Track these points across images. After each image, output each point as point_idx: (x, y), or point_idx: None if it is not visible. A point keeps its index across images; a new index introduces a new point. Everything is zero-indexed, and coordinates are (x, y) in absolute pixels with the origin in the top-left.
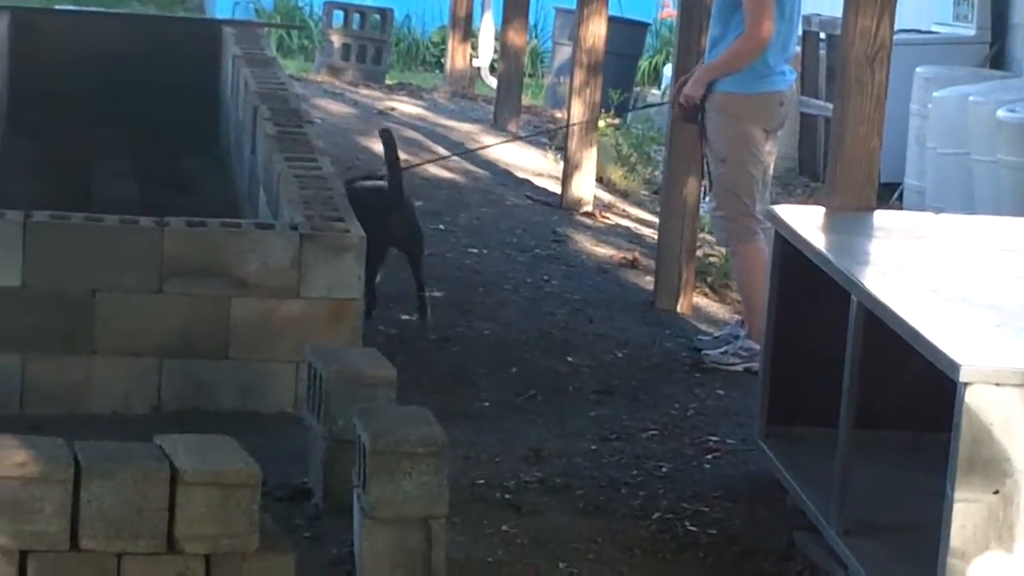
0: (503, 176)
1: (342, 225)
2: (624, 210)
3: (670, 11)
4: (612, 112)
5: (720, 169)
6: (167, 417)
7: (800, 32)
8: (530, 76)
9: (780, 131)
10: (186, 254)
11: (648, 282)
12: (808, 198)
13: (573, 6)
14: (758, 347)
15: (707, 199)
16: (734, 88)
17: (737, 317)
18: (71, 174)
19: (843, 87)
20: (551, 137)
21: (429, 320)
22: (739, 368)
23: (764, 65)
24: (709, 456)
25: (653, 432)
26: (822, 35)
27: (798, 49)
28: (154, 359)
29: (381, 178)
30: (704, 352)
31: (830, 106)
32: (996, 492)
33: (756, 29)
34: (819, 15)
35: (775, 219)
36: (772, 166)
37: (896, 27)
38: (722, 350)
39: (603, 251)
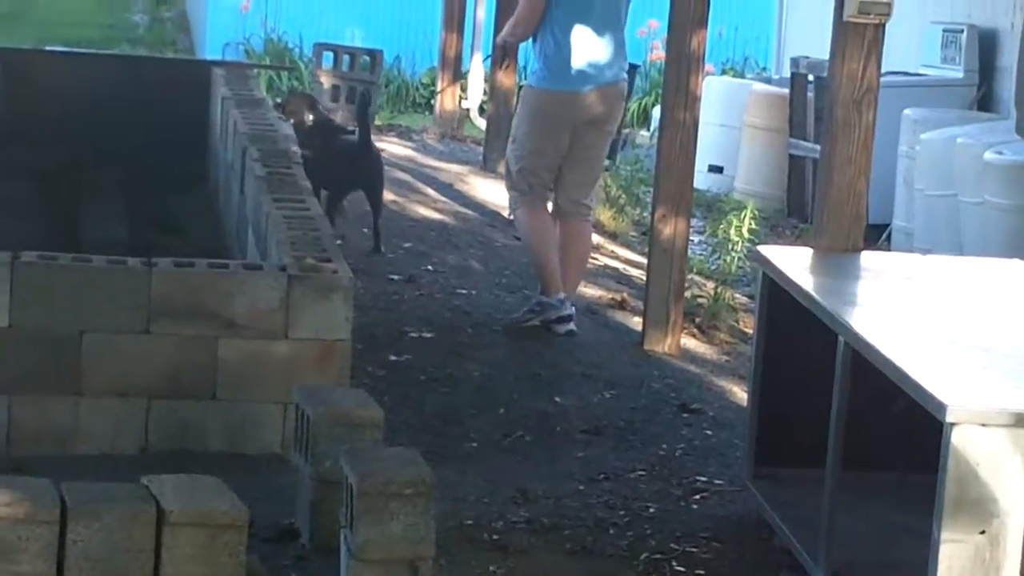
0: (491, 217)
1: (330, 266)
2: (613, 251)
3: (659, 53)
4: None
5: (511, 149)
6: (154, 458)
7: (787, 74)
8: None
9: (596, 127)
10: (174, 295)
11: (636, 323)
12: (796, 239)
13: None
14: (547, 300)
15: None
16: (533, 83)
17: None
18: (60, 215)
19: (830, 129)
20: None
21: (382, 250)
22: (536, 322)
23: (560, 66)
24: (697, 497)
25: (641, 472)
26: (810, 77)
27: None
28: (142, 400)
29: (352, 132)
30: (512, 316)
31: (818, 148)
32: (982, 532)
33: (513, 18)
34: (807, 58)
35: (762, 260)
36: (593, 161)
37: (884, 69)
38: (522, 311)
39: (591, 292)
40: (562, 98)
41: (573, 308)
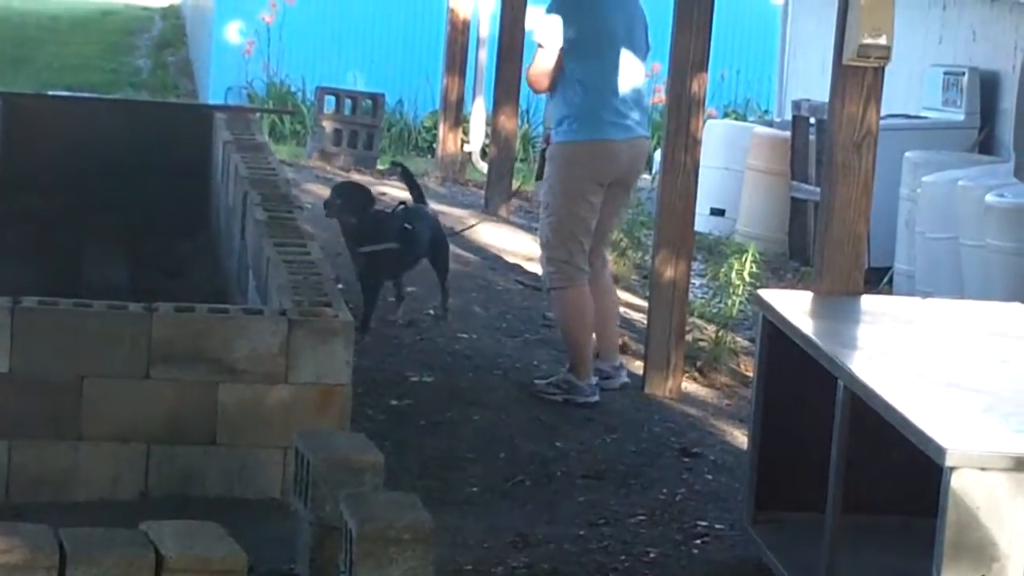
0: (493, 260)
1: (330, 310)
2: None
3: (661, 96)
4: None
5: (544, 217)
6: (154, 503)
7: (788, 117)
8: (521, 161)
9: (624, 187)
10: (174, 340)
11: (637, 367)
12: (798, 282)
13: None
14: (578, 382)
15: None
16: (565, 137)
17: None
18: (62, 260)
19: (830, 172)
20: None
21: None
22: (559, 399)
23: (595, 115)
24: (697, 541)
25: (641, 517)
26: (812, 120)
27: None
28: (142, 445)
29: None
30: (534, 380)
31: (819, 190)
32: None
33: (528, 76)
34: (809, 100)
35: (762, 304)
36: (615, 219)
37: (885, 112)
38: (546, 381)
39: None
40: (596, 149)
41: (624, 369)
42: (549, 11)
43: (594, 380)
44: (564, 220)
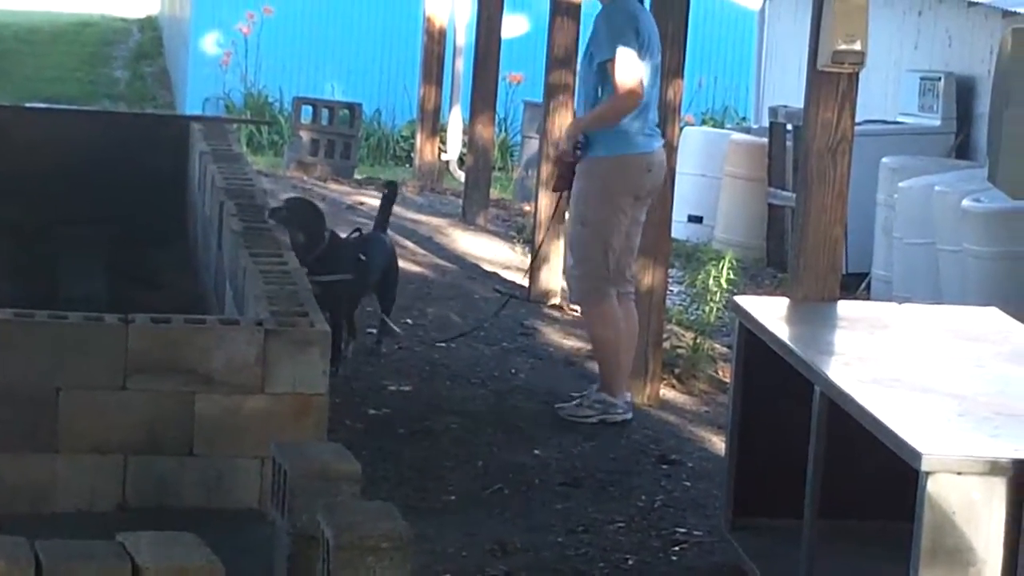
0: (471, 269)
1: (306, 320)
2: None
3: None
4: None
5: (579, 230)
6: (132, 514)
7: (766, 124)
8: (499, 169)
9: (649, 199)
10: (151, 351)
11: None
12: (776, 288)
13: (541, 99)
14: (613, 399)
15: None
16: (601, 152)
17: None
18: (39, 271)
19: (805, 178)
20: (519, 231)
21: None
22: (594, 420)
23: (633, 129)
24: (676, 548)
25: (620, 524)
26: (789, 127)
27: None
28: (119, 456)
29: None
30: (558, 406)
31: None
32: None
33: (625, 87)
34: (786, 107)
35: (739, 310)
36: (639, 233)
37: (862, 118)
38: (576, 402)
39: (571, 343)
40: (637, 162)
41: (631, 404)
42: (612, 28)
43: (628, 395)
44: (600, 232)
